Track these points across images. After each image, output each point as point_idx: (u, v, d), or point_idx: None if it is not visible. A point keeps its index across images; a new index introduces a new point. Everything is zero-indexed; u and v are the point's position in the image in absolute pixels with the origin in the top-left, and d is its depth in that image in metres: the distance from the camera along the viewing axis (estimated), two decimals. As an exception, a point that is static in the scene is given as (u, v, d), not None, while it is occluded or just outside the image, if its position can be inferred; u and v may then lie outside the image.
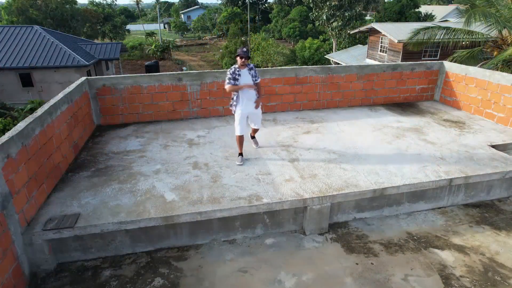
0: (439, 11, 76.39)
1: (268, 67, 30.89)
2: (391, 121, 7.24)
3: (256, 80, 5.11)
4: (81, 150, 5.86)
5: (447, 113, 7.81)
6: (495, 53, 13.15)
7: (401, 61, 21.37)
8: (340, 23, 28.38)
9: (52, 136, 4.74)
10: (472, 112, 7.74)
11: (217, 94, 7.38)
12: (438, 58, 21.34)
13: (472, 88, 7.71)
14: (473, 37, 13.09)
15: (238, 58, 4.96)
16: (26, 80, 24.56)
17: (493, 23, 11.68)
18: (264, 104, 7.67)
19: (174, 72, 7.15)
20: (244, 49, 4.99)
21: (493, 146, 6.01)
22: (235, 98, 5.14)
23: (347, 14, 28.00)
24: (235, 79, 4.97)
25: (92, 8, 47.80)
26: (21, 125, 3.96)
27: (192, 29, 66.58)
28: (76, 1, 36.94)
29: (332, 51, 32.06)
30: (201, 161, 5.40)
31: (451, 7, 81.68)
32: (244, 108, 5.14)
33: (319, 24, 30.26)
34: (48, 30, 27.68)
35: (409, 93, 8.61)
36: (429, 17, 72.19)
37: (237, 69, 5.01)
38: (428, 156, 5.56)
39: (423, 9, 75.82)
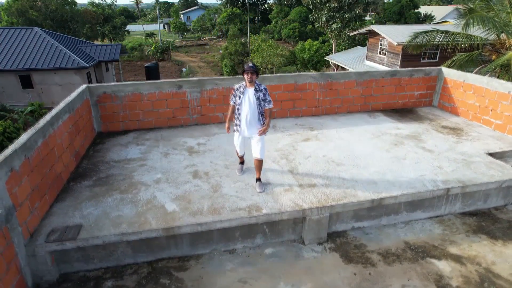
0: (438, 12, 76.62)
1: (267, 68, 30.94)
2: (389, 128, 7.30)
3: (264, 105, 4.59)
4: (82, 158, 5.91)
5: (445, 120, 7.87)
6: (494, 57, 13.22)
7: (400, 63, 21.42)
8: (339, 25, 28.43)
9: (54, 146, 4.79)
10: (470, 119, 7.80)
11: (217, 101, 7.43)
12: (437, 60, 21.41)
13: (470, 95, 7.77)
14: (472, 40, 13.16)
15: (244, 74, 4.52)
16: (26, 82, 24.61)
17: (491, 28, 11.76)
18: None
19: (174, 80, 7.20)
20: (250, 64, 4.52)
21: (490, 154, 6.08)
22: (238, 119, 4.73)
23: (346, 16, 28.06)
24: (236, 96, 4.64)
25: (92, 9, 47.81)
26: (24, 138, 4.01)
27: (192, 30, 66.63)
28: (76, 2, 36.98)
29: (332, 53, 32.11)
30: (201, 170, 5.46)
31: (451, 7, 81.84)
32: (242, 132, 4.75)
33: (318, 26, 30.32)
34: (47, 31, 27.70)
35: (408, 99, 8.67)
36: (428, 17, 72.37)
37: (243, 87, 4.61)
38: (426, 165, 5.62)
39: (423, 9, 76.03)
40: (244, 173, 5.30)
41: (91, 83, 27.08)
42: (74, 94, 6.03)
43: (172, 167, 5.58)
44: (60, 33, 30.53)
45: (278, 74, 7.77)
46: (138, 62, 42.08)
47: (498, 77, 11.90)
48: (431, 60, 21.75)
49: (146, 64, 32.40)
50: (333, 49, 31.12)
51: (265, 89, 4.63)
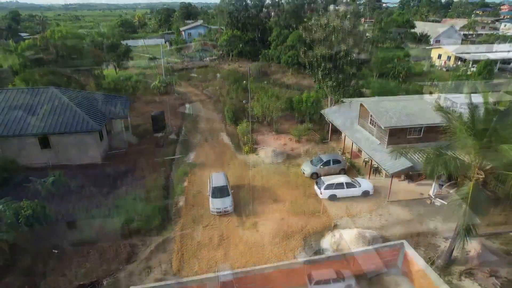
0: (433, 30, 78.79)
1: (267, 119, 33.12)
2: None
3: None
4: None
5: (404, 294, 10.26)
6: (460, 179, 15.54)
7: (388, 138, 23.49)
8: (334, 83, 30.51)
9: None
10: (422, 295, 10.18)
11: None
12: (421, 135, 23.57)
13: (423, 279, 10.13)
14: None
15: None
16: (44, 143, 26.68)
17: (453, 170, 14.07)
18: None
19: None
20: None
21: None
22: None
23: (340, 76, 30.12)
24: None
25: (98, 38, 49.62)
26: None
27: (193, 49, 68.39)
28: (84, 46, 38.97)
29: (328, 98, 34.33)
30: None
31: (445, 26, 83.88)
32: None
33: (315, 81, 32.37)
34: (63, 90, 29.67)
35: (377, 264, 11.03)
36: (424, 37, 74.33)
37: None
38: None
39: (419, 27, 78.01)
40: None
41: (102, 138, 29.17)
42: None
43: None
44: (73, 90, 32.44)
45: None
46: (142, 97, 43.96)
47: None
48: (416, 136, 23.87)
49: (152, 113, 34.51)
50: (329, 102, 33.25)
51: None
